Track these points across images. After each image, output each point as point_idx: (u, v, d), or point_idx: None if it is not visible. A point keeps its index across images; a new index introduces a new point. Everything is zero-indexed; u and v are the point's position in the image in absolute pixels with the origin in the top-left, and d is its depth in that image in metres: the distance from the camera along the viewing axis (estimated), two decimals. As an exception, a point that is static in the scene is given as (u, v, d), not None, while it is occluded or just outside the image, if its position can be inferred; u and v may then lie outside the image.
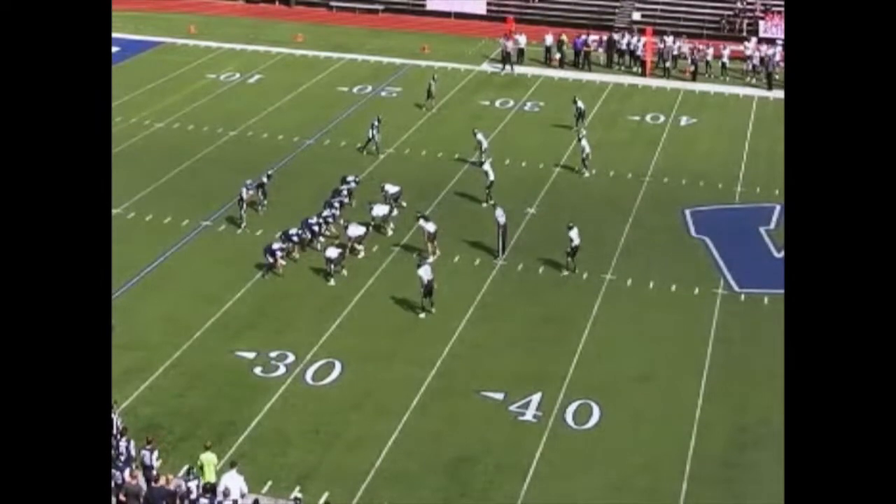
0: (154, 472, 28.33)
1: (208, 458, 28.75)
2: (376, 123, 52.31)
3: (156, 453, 28.89)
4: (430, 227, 42.36)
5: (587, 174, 50.51)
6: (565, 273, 41.27)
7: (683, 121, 59.09)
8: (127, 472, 27.90)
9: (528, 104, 61.24)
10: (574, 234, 40.89)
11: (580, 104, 56.16)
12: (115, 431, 29.37)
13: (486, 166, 47.58)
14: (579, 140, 51.47)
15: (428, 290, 38.07)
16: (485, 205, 46.20)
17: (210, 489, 27.35)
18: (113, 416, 29.89)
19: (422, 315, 37.98)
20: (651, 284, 41.02)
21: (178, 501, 27.32)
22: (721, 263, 42.77)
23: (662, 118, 59.19)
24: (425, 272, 37.98)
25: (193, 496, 27.23)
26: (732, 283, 41.28)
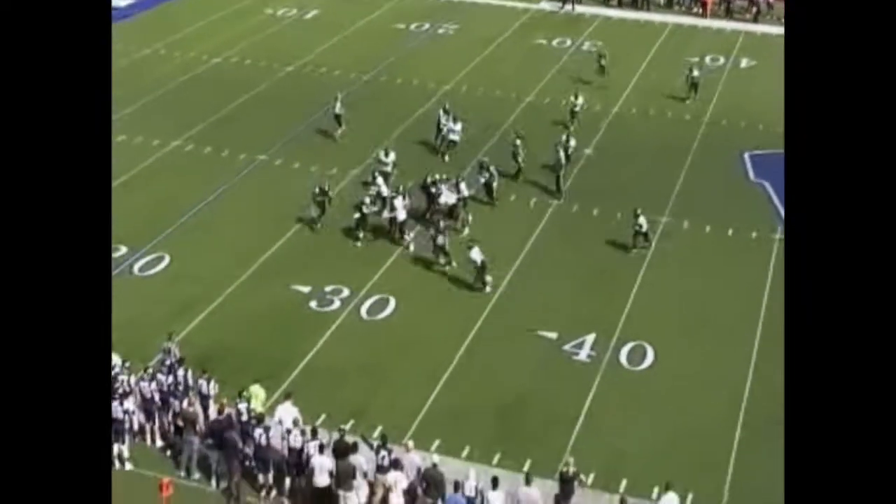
0: (210, 402, 28.71)
1: (256, 391, 29.02)
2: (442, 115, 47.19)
3: (212, 382, 29.20)
4: (451, 197, 40.03)
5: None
6: (619, 216, 41.03)
7: (743, 63, 58.33)
8: (185, 401, 28.24)
9: (586, 44, 60.67)
10: (642, 220, 38.53)
11: (696, 73, 52.89)
12: (173, 360, 29.74)
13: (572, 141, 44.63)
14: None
15: (482, 268, 36.18)
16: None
17: (259, 419, 27.54)
18: (170, 345, 30.28)
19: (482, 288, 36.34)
20: (708, 228, 40.73)
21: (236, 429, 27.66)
22: (780, 208, 42.36)
23: (722, 60, 58.47)
24: (476, 254, 35.99)
25: (244, 418, 27.51)
26: (791, 228, 40.86)
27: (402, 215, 38.73)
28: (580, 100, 48.80)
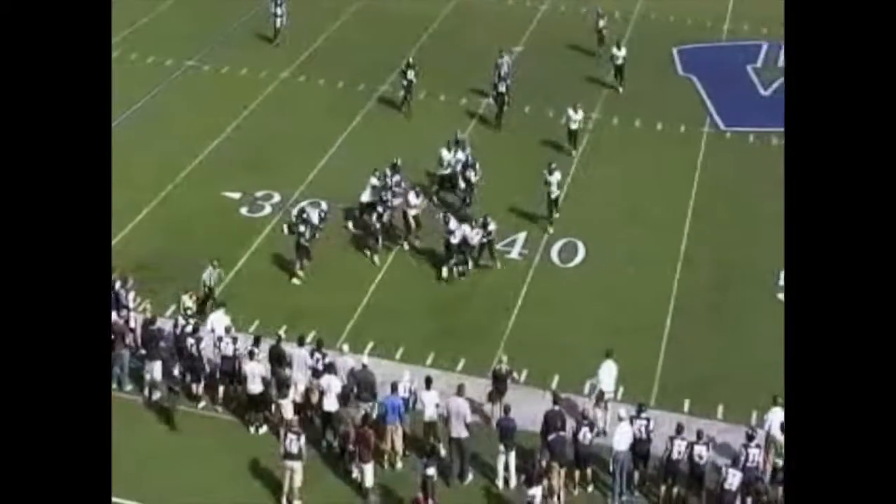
0: (130, 313, 28.50)
1: (184, 301, 29.00)
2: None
3: (132, 294, 29.06)
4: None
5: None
6: (551, 113, 41.09)
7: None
8: (114, 313, 28.16)
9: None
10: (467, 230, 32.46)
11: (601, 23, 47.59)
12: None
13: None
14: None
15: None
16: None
17: (194, 328, 27.54)
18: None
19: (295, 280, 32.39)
20: (637, 123, 40.96)
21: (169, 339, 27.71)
22: (707, 101, 42.69)
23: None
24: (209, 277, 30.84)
25: (178, 332, 27.58)
26: (718, 121, 41.25)
27: (414, 210, 33.73)
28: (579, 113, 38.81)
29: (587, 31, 47.36)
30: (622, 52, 42.77)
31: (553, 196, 34.33)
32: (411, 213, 33.54)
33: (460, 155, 35.53)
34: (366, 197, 33.90)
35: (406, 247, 33.39)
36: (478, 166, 34.95)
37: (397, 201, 33.74)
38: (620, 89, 43.07)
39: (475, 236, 32.02)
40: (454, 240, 31.85)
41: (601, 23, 46.21)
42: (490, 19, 49.29)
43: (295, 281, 31.98)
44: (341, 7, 50.22)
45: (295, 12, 47.29)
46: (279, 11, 46.34)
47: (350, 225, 34.24)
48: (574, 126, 38.29)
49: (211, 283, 30.14)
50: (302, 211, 32.75)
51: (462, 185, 34.93)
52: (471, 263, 32.28)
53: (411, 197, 33.65)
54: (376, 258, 32.85)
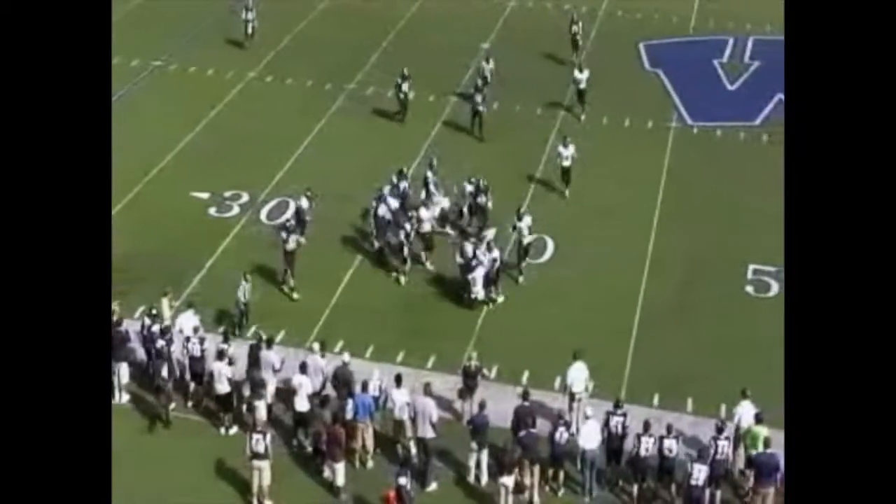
0: None
1: (162, 304, 28.91)
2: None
3: None
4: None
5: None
6: (518, 108, 41.16)
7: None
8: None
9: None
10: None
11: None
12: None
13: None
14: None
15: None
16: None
17: (164, 330, 27.43)
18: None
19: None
20: (605, 119, 41.04)
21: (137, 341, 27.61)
22: (674, 96, 42.82)
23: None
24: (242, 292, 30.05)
25: (146, 332, 27.46)
26: (686, 115, 41.39)
27: (426, 225, 33.02)
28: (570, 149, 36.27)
29: (555, 27, 47.45)
30: (584, 76, 40.98)
31: (525, 242, 32.27)
32: (424, 227, 32.84)
33: (467, 185, 34.29)
34: (382, 210, 32.83)
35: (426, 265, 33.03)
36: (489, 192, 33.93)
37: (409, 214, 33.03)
38: (583, 116, 41.29)
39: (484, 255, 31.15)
40: (478, 271, 30.78)
41: (575, 28, 45.45)
42: (459, 16, 49.29)
43: (285, 289, 31.85)
44: (308, 6, 50.12)
45: (261, 12, 47.13)
46: (250, 16, 45.99)
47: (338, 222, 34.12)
48: (567, 164, 36.01)
49: (245, 298, 29.78)
50: (297, 212, 33.03)
51: (477, 208, 34.05)
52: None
53: (422, 211, 33.03)
54: (402, 279, 32.28)
